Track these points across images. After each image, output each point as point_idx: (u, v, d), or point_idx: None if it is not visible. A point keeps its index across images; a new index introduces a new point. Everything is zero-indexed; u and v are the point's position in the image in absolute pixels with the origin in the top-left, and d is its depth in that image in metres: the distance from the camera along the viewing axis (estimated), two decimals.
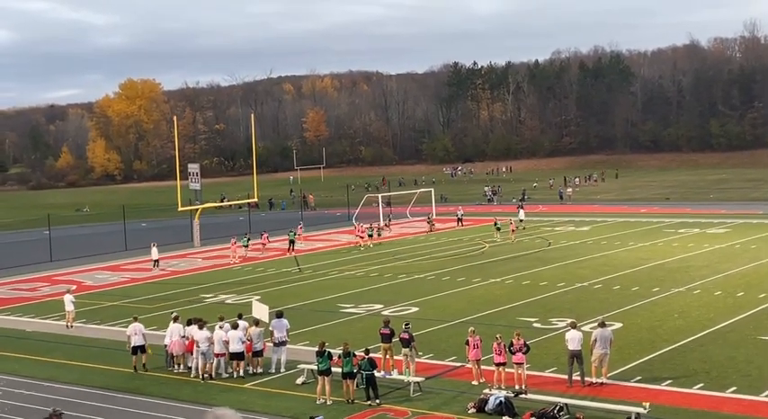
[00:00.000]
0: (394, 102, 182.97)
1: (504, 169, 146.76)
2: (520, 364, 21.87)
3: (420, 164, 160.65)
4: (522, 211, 63.56)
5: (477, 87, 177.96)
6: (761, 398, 20.40)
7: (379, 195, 73.92)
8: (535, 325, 29.19)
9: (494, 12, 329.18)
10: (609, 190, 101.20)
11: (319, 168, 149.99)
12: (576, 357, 21.98)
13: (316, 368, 22.03)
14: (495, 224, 56.85)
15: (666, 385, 21.77)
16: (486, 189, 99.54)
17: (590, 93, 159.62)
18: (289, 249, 52.12)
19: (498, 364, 21.95)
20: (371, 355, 21.75)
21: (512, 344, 21.92)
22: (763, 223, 58.54)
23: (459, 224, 63.86)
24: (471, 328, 23.28)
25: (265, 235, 55.15)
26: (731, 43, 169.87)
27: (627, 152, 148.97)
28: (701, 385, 21.61)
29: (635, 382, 22.15)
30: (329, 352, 21.86)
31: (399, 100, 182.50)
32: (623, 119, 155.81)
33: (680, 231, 55.60)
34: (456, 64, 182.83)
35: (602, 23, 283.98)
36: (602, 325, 22.78)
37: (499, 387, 21.50)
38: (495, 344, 22.07)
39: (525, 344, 22.04)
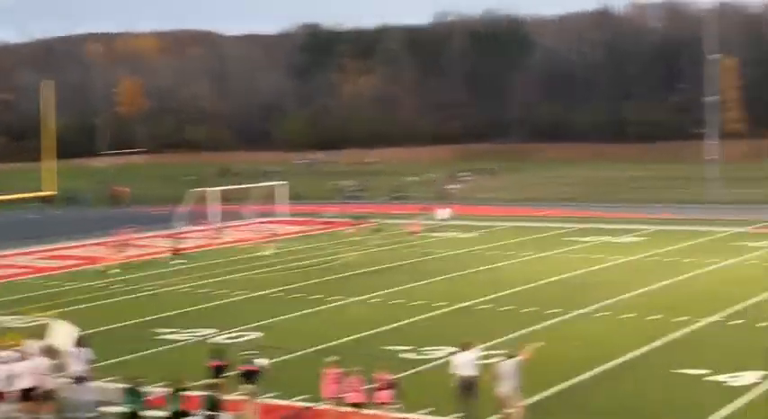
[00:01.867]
0: (234, 70, 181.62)
1: (373, 159, 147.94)
2: (384, 404, 22.04)
3: (267, 151, 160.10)
4: (447, 210, 64.14)
5: (342, 55, 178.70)
6: None
7: (211, 190, 73.17)
8: (404, 355, 29.48)
9: None
10: (502, 187, 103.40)
11: (137, 153, 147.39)
12: (467, 387, 22.20)
13: (124, 410, 21.65)
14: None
15: None
16: (349, 183, 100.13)
17: (481, 68, 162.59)
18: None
19: (355, 404, 22.06)
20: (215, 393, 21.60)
21: (375, 380, 22.10)
22: (684, 230, 61.07)
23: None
24: (332, 358, 23.35)
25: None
26: (652, 9, 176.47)
27: (523, 140, 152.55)
28: None
29: None
30: (140, 389, 21.53)
31: (241, 68, 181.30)
32: (521, 100, 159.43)
33: (585, 239, 57.36)
34: (314, 25, 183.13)
35: None
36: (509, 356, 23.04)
37: None
38: (353, 380, 22.19)
39: (391, 381, 22.22)
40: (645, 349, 29.84)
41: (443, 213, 63.55)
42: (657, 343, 30.53)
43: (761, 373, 26.38)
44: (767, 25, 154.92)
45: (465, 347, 22.87)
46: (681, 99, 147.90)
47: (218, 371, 23.31)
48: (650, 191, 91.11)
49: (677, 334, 31.73)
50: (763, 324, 33.02)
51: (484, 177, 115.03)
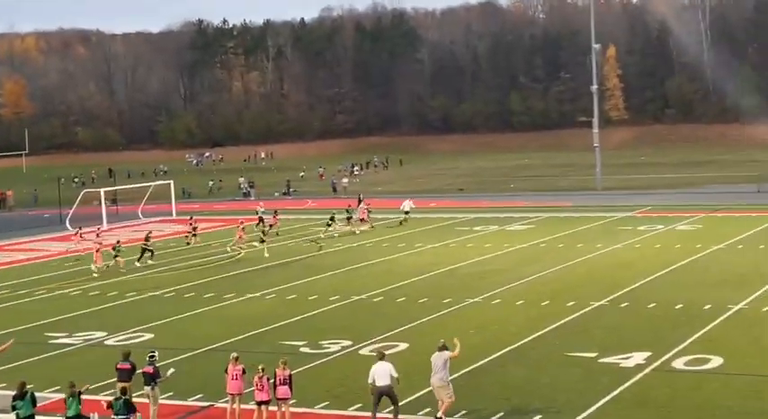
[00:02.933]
0: (120, 69, 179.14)
1: (263, 155, 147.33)
2: (284, 400, 22.02)
3: (156, 150, 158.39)
4: (408, 202, 64.02)
5: (229, 52, 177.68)
6: None
7: (102, 190, 72.10)
8: (303, 349, 29.50)
9: None
10: (392, 179, 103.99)
11: (21, 155, 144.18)
12: (387, 395, 22.21)
13: (17, 415, 21.18)
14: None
15: (461, 416, 22.63)
16: (240, 180, 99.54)
17: (369, 62, 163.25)
18: None
19: (260, 403, 21.99)
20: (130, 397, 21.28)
21: (275, 375, 22.03)
22: (573, 217, 62.15)
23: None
24: (234, 354, 23.20)
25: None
26: (533, 2, 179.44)
27: (413, 133, 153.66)
28: (501, 414, 22.64)
29: (423, 415, 22.86)
30: (32, 393, 21.11)
31: (128, 67, 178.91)
32: (409, 93, 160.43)
33: (476, 229, 57.98)
34: (200, 22, 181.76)
35: None
36: (442, 348, 23.00)
37: None
38: (256, 378, 22.09)
39: (290, 376, 22.20)
40: (537, 334, 30.31)
41: (407, 204, 63.46)
42: (548, 328, 31.04)
43: (647, 354, 27.04)
44: (646, 15, 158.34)
45: (380, 357, 22.83)
46: (565, 88, 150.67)
47: (127, 374, 22.98)
48: (536, 180, 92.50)
49: (568, 319, 32.30)
50: (651, 305, 33.82)
51: (374, 170, 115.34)
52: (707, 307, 32.94)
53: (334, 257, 49.19)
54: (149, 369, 22.63)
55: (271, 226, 58.80)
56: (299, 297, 38.41)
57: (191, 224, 58.82)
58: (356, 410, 23.42)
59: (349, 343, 29.95)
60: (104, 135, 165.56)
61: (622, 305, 34.30)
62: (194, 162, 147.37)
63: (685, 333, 29.41)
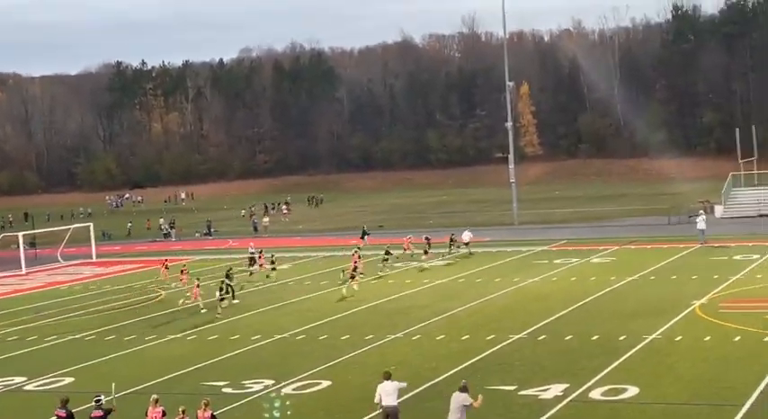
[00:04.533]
0: (38, 112, 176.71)
1: (183, 196, 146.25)
2: None
3: (74, 192, 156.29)
4: (467, 233, 63.35)
5: (148, 93, 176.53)
6: None
7: (20, 234, 70.94)
8: (225, 389, 29.24)
9: None
10: (313, 218, 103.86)
11: None
12: (391, 416, 21.91)
13: None
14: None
15: None
16: (161, 221, 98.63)
17: (288, 101, 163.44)
18: None
19: None
20: None
21: (196, 417, 21.83)
22: (490, 252, 62.63)
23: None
24: (154, 396, 22.90)
25: None
26: (449, 41, 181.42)
27: (333, 171, 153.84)
28: None
29: None
30: None
31: (45, 109, 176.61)
32: (328, 131, 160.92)
33: (396, 265, 58.10)
34: (119, 63, 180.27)
35: (297, 14, 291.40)
36: (462, 388, 22.57)
37: None
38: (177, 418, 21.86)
39: (213, 416, 22.02)
40: (458, 368, 30.40)
41: (466, 235, 63.11)
42: (469, 362, 31.16)
43: (565, 386, 27.30)
44: (557, 52, 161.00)
45: (387, 376, 22.63)
46: (480, 125, 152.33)
47: None
48: (454, 216, 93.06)
49: (487, 352, 32.48)
50: (568, 337, 34.16)
51: (296, 209, 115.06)
52: (622, 337, 33.37)
53: (255, 297, 48.89)
54: (98, 412, 22.25)
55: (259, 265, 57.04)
56: (221, 337, 38.10)
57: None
58: None
59: (271, 382, 29.75)
60: (22, 178, 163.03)
61: (540, 337, 34.60)
62: (114, 204, 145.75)
63: (602, 363, 29.75)
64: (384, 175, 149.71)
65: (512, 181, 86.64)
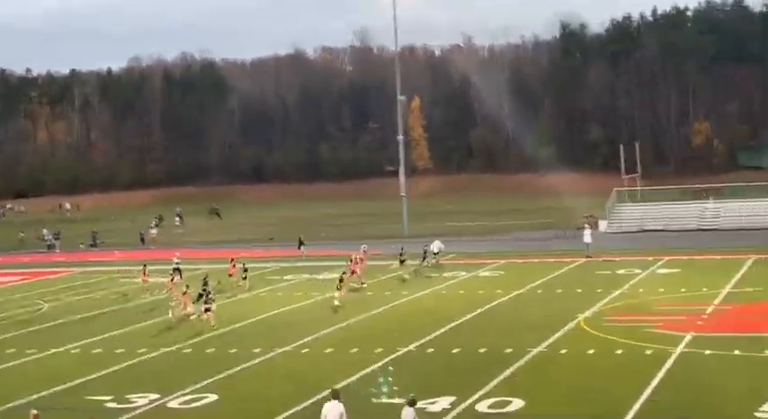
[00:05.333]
0: None
1: (68, 206, 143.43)
2: None
3: None
4: (437, 243, 62.24)
5: (33, 101, 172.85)
6: None
7: None
8: (109, 404, 28.70)
9: (53, 6, 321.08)
10: (204, 229, 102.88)
11: None
12: None
13: None
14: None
15: None
16: (44, 232, 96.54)
17: (178, 111, 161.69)
18: None
19: None
20: None
21: None
22: (378, 264, 62.78)
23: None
24: (33, 411, 22.34)
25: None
26: (340, 53, 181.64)
27: (225, 183, 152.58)
28: None
29: None
30: None
31: None
32: (219, 142, 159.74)
33: (286, 277, 57.89)
34: (3, 71, 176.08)
35: (190, 26, 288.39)
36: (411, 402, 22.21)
37: None
38: None
39: None
40: (346, 381, 30.34)
41: (436, 246, 61.97)
42: (357, 375, 31.15)
43: (452, 398, 27.47)
44: (449, 67, 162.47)
45: (334, 395, 22.17)
46: (372, 138, 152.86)
47: None
48: (347, 229, 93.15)
49: (375, 365, 32.50)
50: (455, 350, 34.40)
51: (191, 220, 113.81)
52: (508, 350, 33.73)
53: (140, 309, 48.15)
54: None
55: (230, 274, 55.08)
56: (105, 350, 37.41)
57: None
58: None
59: (156, 396, 29.31)
60: None
61: (428, 351, 34.78)
62: None
63: (488, 376, 30.00)
64: (276, 188, 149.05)
65: (402, 194, 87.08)
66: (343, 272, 49.91)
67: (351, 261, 53.86)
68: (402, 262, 57.89)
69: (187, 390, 29.95)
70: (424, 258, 60.04)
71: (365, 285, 51.91)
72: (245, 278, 53.42)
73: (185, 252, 70.27)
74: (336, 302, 45.37)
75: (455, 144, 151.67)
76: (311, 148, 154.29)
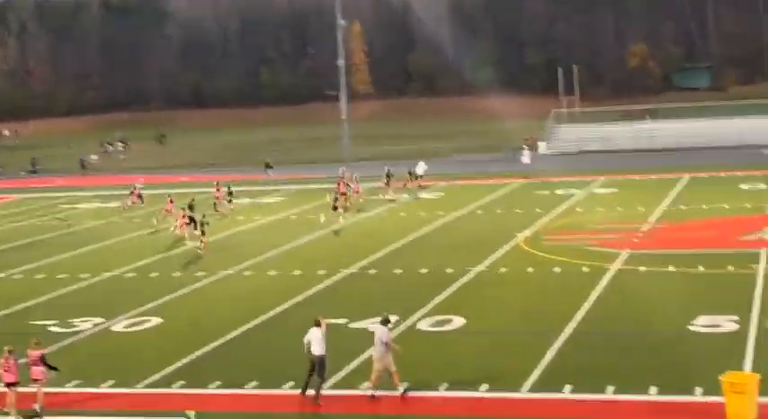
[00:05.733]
0: None
1: (7, 133, 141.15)
2: (38, 381, 21.31)
3: None
4: (421, 164, 61.36)
5: None
6: (321, 392, 21.89)
7: None
8: (53, 328, 28.55)
9: None
10: (144, 155, 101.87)
11: None
12: (317, 364, 21.29)
13: None
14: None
15: (216, 387, 22.51)
16: None
17: (116, 37, 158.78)
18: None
19: (9, 384, 21.15)
20: None
21: (27, 356, 21.35)
22: (323, 188, 62.62)
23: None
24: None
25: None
26: None
27: (164, 108, 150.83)
28: (256, 383, 22.64)
29: (178, 388, 22.62)
30: None
31: None
32: (159, 69, 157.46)
33: (238, 202, 57.47)
34: None
35: None
36: (384, 321, 22.00)
37: (7, 413, 20.82)
38: (2, 360, 21.22)
39: (43, 356, 21.46)
40: (290, 303, 30.46)
41: (421, 167, 60.98)
42: (301, 297, 31.25)
43: (394, 318, 27.59)
44: None
45: (316, 323, 22.00)
46: (311, 63, 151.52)
47: None
48: (287, 153, 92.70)
49: (319, 287, 32.62)
50: (397, 271, 34.59)
51: (124, 147, 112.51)
52: (449, 270, 33.98)
53: (84, 235, 47.74)
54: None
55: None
56: (48, 276, 37.11)
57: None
58: (109, 387, 22.92)
59: (100, 320, 29.22)
60: None
61: (371, 272, 34.96)
62: None
63: (430, 295, 30.24)
64: (216, 113, 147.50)
65: (343, 118, 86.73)
66: (335, 196, 48.85)
67: (338, 184, 53.39)
68: (387, 182, 57.07)
69: (131, 314, 29.88)
70: (410, 179, 59.45)
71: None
72: (231, 201, 53.17)
73: (126, 177, 69.58)
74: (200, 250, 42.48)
75: (395, 68, 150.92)
76: (251, 74, 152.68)
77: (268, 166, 70.33)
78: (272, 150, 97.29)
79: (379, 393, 21.17)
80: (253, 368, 23.86)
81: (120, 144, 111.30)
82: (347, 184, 53.71)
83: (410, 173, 59.68)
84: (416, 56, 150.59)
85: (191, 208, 46.14)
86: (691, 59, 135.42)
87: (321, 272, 34.85)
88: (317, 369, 21.18)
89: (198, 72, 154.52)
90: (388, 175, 57.29)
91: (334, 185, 53.90)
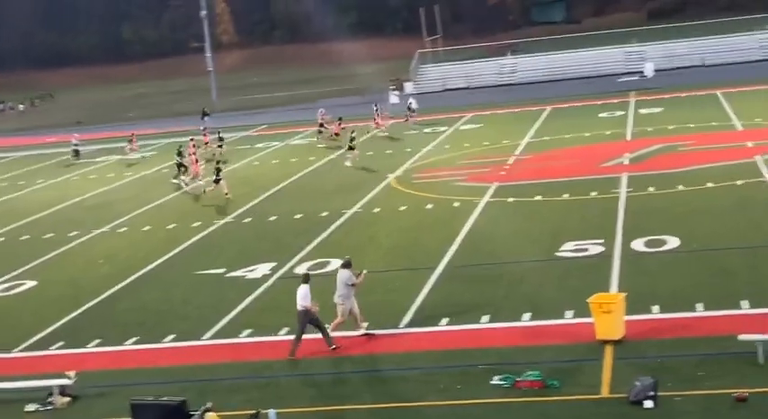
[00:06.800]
0: None
1: None
2: None
3: None
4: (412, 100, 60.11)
5: None
6: (202, 342, 21.72)
7: None
8: None
9: None
10: (6, 118, 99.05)
11: None
12: (300, 317, 20.59)
13: None
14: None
15: (96, 345, 22.21)
16: None
17: None
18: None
19: None
20: None
21: None
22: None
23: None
24: None
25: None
26: None
27: (27, 69, 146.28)
28: (136, 338, 22.39)
29: (57, 349, 22.23)
30: None
31: None
32: (16, 28, 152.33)
33: (97, 160, 56.33)
34: None
35: None
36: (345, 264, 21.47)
37: None
38: None
39: None
40: (166, 257, 30.10)
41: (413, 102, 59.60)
42: (177, 250, 30.88)
43: (272, 264, 27.57)
44: None
45: (304, 280, 21.24)
46: (176, 15, 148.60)
47: None
48: (154, 108, 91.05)
49: (194, 239, 32.25)
50: (272, 218, 34.42)
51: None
52: (324, 214, 33.93)
53: None
54: None
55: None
56: None
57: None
58: None
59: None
60: None
61: (245, 220, 34.70)
62: None
63: (306, 240, 30.19)
64: (79, 71, 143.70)
65: (209, 69, 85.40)
66: (352, 135, 46.22)
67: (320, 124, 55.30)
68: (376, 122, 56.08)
69: (4, 278, 29.15)
70: (410, 115, 58.37)
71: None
72: (221, 146, 52.21)
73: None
74: (348, 163, 44.17)
75: (259, 17, 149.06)
76: (113, 30, 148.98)
77: (205, 114, 68.97)
78: (139, 105, 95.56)
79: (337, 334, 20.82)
80: (131, 325, 23.54)
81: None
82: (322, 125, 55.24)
83: (409, 109, 58.95)
84: (279, 3, 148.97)
85: (179, 154, 45.10)
86: None
87: (195, 224, 34.44)
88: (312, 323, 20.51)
89: (58, 30, 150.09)
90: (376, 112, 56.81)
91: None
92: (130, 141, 56.33)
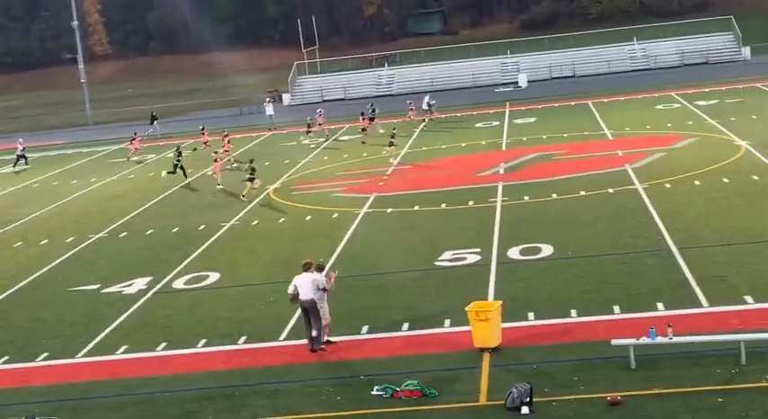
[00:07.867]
0: None
1: None
2: None
3: None
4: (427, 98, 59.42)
5: None
6: (76, 360, 21.26)
7: None
8: None
9: None
10: None
11: None
12: (310, 309, 20.14)
13: None
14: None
15: None
16: None
17: None
18: None
19: None
20: None
21: None
22: (65, 154, 60.65)
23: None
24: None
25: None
26: None
27: None
28: (7, 358, 21.81)
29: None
30: None
31: None
32: None
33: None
34: None
35: None
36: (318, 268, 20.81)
37: None
38: None
39: None
40: (38, 273, 29.40)
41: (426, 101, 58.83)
42: (49, 266, 30.21)
43: (149, 279, 27.18)
44: None
45: (305, 268, 20.44)
46: (46, 26, 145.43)
47: None
48: (25, 121, 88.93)
49: (68, 254, 31.57)
50: (149, 232, 33.94)
51: None
52: (202, 227, 33.62)
53: None
54: None
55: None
56: None
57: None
58: None
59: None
60: None
61: (121, 235, 34.13)
62: None
63: (184, 254, 29.87)
64: None
65: (83, 81, 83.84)
66: (392, 134, 46.00)
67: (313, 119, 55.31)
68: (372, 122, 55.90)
69: None
70: (429, 112, 58.18)
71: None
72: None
73: None
74: (391, 159, 44.28)
75: (133, 27, 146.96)
76: None
77: (154, 118, 67.22)
78: (8, 118, 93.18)
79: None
80: (2, 343, 22.89)
81: None
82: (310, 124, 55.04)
83: (429, 106, 58.62)
84: (155, 14, 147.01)
85: (179, 153, 44.87)
86: (423, 5, 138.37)
87: (69, 239, 33.76)
88: (312, 313, 20.22)
89: None
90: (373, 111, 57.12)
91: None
92: (131, 141, 56.11)
